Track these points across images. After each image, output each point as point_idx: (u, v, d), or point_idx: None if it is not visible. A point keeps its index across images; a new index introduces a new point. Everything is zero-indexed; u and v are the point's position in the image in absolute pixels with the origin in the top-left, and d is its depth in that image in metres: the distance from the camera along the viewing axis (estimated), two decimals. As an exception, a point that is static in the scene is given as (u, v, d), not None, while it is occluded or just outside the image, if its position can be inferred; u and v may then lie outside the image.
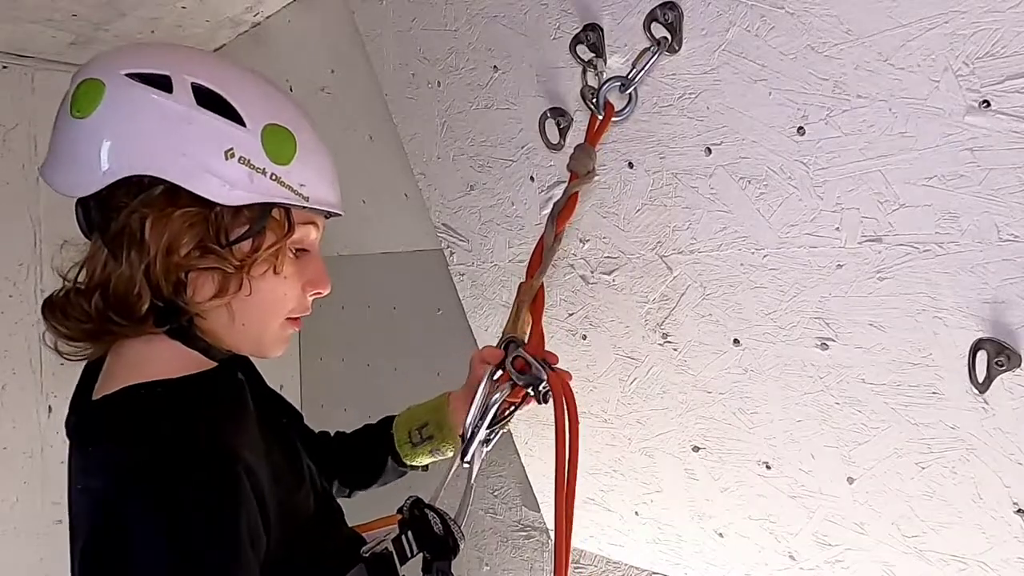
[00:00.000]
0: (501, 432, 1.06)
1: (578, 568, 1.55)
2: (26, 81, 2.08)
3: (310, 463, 1.00)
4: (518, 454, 1.58)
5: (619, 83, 1.07)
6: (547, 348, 1.11)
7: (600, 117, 1.10)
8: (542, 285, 1.12)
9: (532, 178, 1.32)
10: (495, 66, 1.29)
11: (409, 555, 0.97)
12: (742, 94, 0.98)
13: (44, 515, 2.07)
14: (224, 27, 1.96)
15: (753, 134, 0.99)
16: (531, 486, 1.62)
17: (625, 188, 1.16)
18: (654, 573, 1.42)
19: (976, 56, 0.79)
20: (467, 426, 1.01)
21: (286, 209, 0.85)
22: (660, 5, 1.02)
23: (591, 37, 1.10)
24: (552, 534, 1.44)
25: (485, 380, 1.03)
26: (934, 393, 0.93)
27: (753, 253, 1.04)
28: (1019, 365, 0.84)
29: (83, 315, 0.82)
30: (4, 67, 2.04)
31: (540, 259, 1.13)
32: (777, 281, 1.03)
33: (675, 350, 1.19)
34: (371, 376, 2.13)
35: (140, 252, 0.79)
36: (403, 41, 1.46)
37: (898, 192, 0.88)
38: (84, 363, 0.91)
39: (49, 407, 2.12)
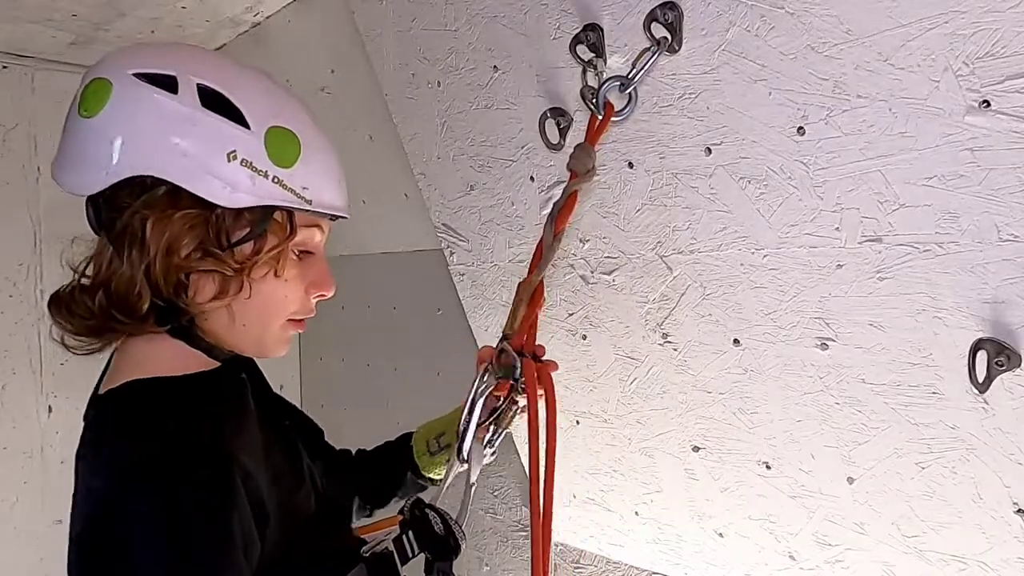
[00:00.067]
0: (503, 434, 1.06)
1: (578, 568, 1.55)
2: (26, 81, 2.07)
3: (311, 464, 1.00)
4: (518, 454, 1.58)
5: (619, 83, 1.07)
6: (547, 349, 1.11)
7: (600, 117, 1.09)
8: (541, 281, 1.12)
9: (532, 178, 1.32)
10: (495, 66, 1.29)
11: (410, 555, 0.97)
12: (742, 94, 0.98)
13: (44, 515, 2.06)
14: (224, 27, 1.96)
15: (753, 134, 0.99)
16: (531, 486, 1.62)
17: (625, 188, 1.16)
18: (654, 573, 1.42)
19: (976, 56, 0.79)
20: (460, 423, 1.02)
21: (289, 212, 0.84)
22: (660, 5, 1.02)
23: (591, 37, 1.10)
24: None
25: (475, 377, 1.03)
26: (934, 393, 0.93)
27: (753, 253, 1.04)
28: (1019, 365, 0.84)
29: (86, 312, 0.82)
30: (4, 67, 2.04)
31: (540, 259, 1.13)
32: (777, 281, 1.03)
33: (675, 350, 1.19)
34: (371, 376, 2.13)
35: (141, 252, 0.79)
36: (403, 41, 1.46)
37: (898, 192, 0.88)
38: (86, 363, 0.91)
39: (49, 407, 2.11)
